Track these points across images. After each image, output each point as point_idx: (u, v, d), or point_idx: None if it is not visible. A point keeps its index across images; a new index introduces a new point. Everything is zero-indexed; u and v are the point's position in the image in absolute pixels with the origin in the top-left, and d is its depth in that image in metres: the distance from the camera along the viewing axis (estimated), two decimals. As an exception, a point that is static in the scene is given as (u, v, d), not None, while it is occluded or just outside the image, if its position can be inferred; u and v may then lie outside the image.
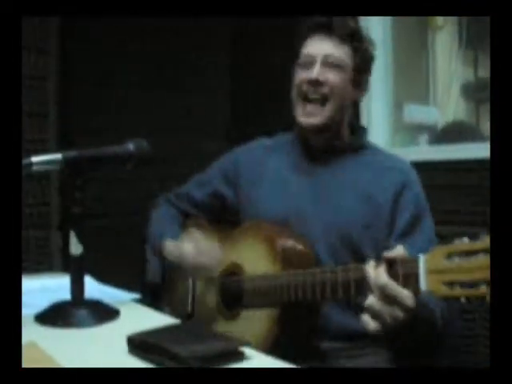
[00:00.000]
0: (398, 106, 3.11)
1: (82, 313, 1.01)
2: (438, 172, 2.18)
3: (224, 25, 2.94)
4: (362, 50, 1.40)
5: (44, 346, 0.87)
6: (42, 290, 1.26)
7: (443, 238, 1.48)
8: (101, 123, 2.55)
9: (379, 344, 1.30)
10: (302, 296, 1.17)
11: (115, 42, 2.63)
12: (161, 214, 1.59)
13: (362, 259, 1.21)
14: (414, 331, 1.06)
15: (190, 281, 1.45)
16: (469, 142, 2.59)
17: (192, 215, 1.58)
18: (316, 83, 1.35)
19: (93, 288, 1.20)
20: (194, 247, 1.33)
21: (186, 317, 1.41)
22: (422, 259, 0.97)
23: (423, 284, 0.96)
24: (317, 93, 1.36)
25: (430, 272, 0.95)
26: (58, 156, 0.99)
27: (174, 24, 2.69)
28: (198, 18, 2.57)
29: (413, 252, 1.15)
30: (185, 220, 1.57)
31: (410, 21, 3.34)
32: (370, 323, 0.99)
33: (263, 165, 1.49)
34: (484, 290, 0.88)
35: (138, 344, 0.84)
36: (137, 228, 1.69)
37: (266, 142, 1.55)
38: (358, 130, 1.48)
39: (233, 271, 1.36)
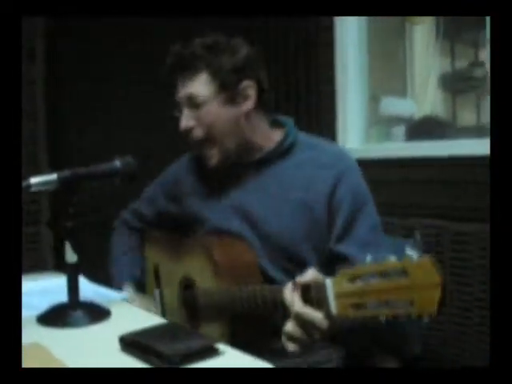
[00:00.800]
0: (374, 99, 3.21)
1: (78, 314, 1.14)
2: (412, 168, 2.30)
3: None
4: (220, 67, 1.34)
5: (46, 345, 1.00)
6: (42, 291, 1.38)
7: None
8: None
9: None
10: (242, 310, 1.23)
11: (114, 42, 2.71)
12: (119, 241, 1.69)
13: (304, 265, 1.24)
14: (348, 340, 1.17)
15: (157, 292, 1.54)
16: (443, 136, 2.71)
17: (144, 231, 1.67)
18: (188, 131, 1.37)
19: (86, 288, 1.31)
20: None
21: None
22: (329, 283, 0.99)
23: (332, 307, 0.98)
24: (194, 137, 1.37)
25: (337, 296, 0.97)
26: (53, 176, 1.12)
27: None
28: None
29: (357, 248, 1.27)
30: (142, 235, 1.67)
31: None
32: (288, 345, 1.07)
33: (198, 183, 1.50)
34: (386, 311, 0.91)
35: (128, 343, 0.98)
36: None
37: (196, 157, 1.53)
38: (283, 126, 1.44)
39: (187, 284, 1.43)
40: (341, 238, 1.31)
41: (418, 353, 1.46)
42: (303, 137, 1.44)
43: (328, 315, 1.01)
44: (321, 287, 1.01)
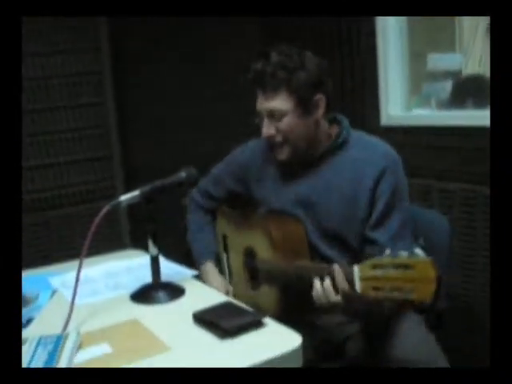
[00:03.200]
0: (419, 56, 3.30)
1: (160, 293, 1.51)
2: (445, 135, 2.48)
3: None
4: (298, 86, 1.53)
5: (140, 320, 1.37)
6: (127, 270, 1.77)
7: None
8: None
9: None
10: (290, 281, 1.51)
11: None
12: (195, 221, 1.95)
13: (346, 245, 1.59)
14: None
15: (224, 257, 1.88)
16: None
17: (213, 209, 1.94)
18: (269, 137, 1.60)
19: (164, 266, 1.62)
20: (221, 288, 1.76)
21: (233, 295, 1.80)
22: (356, 269, 1.25)
23: (357, 287, 1.25)
24: (272, 141, 1.61)
25: (362, 279, 1.23)
26: (136, 193, 1.47)
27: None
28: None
29: (388, 237, 1.53)
30: (212, 211, 1.94)
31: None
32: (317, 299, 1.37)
33: (264, 167, 1.75)
34: (396, 295, 1.15)
35: (198, 318, 1.33)
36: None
37: (263, 144, 1.74)
38: (339, 124, 1.65)
39: (249, 252, 1.72)
40: (375, 227, 1.56)
41: (443, 307, 1.75)
42: (356, 134, 1.65)
43: (352, 291, 1.28)
44: (350, 271, 1.28)
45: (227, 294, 1.77)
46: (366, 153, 1.60)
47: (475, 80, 3.28)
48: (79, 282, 1.37)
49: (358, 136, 1.66)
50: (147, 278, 1.55)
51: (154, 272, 1.52)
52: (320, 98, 1.58)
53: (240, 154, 1.84)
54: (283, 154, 1.62)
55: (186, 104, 3.16)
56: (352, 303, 1.37)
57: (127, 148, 3.00)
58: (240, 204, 1.86)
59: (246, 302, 1.43)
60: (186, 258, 1.89)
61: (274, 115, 1.57)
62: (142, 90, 3.04)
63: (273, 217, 1.68)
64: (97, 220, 1.36)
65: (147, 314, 1.43)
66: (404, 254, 1.17)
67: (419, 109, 2.92)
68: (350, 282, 1.28)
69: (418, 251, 1.17)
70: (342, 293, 1.33)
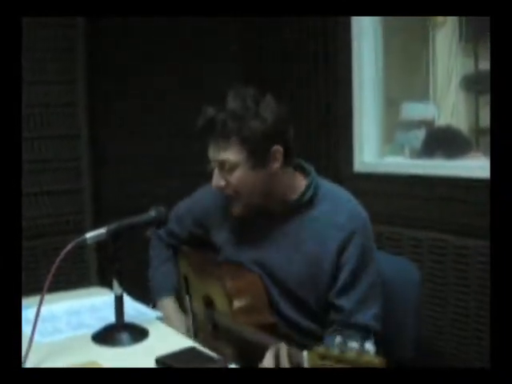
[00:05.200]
0: (393, 105, 3.37)
1: (124, 335, 1.46)
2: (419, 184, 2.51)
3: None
4: (250, 136, 1.42)
5: (100, 362, 1.32)
6: (91, 308, 1.72)
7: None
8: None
9: None
10: (244, 345, 1.42)
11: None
12: (157, 256, 1.87)
13: (307, 307, 1.51)
14: None
15: (187, 299, 1.79)
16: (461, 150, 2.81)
17: (175, 247, 1.86)
18: (220, 188, 1.51)
19: (128, 305, 1.58)
20: (182, 327, 1.71)
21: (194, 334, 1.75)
22: (305, 356, 1.14)
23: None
24: (225, 193, 1.52)
25: (310, 366, 1.13)
26: (102, 230, 1.43)
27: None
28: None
29: (354, 303, 1.46)
30: (176, 251, 1.86)
31: (410, 19, 3.54)
32: None
33: (224, 214, 1.63)
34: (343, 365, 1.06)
35: (161, 363, 1.29)
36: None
37: None
38: (304, 172, 1.55)
39: (209, 302, 1.64)
40: (341, 294, 1.47)
41: (411, 356, 1.73)
42: (323, 187, 1.54)
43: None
44: (300, 356, 1.16)
45: (188, 331, 1.71)
46: (334, 212, 1.50)
47: (447, 131, 3.35)
48: (41, 319, 1.33)
49: (325, 190, 1.55)
50: (111, 317, 1.51)
51: (117, 312, 1.48)
52: (277, 150, 1.46)
53: (202, 197, 1.74)
54: (236, 209, 1.53)
55: (160, 140, 3.15)
56: None
57: (98, 182, 2.96)
58: (201, 246, 1.79)
59: (210, 348, 1.38)
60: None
61: (224, 167, 1.46)
62: (116, 126, 3.02)
63: (229, 268, 1.60)
64: (60, 256, 1.32)
65: (108, 356, 1.39)
66: (354, 348, 1.07)
67: (392, 156, 2.96)
68: (298, 365, 1.19)
69: (368, 346, 1.08)
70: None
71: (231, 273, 1.57)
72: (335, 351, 1.09)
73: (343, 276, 1.47)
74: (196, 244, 1.81)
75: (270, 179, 1.48)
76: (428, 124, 3.52)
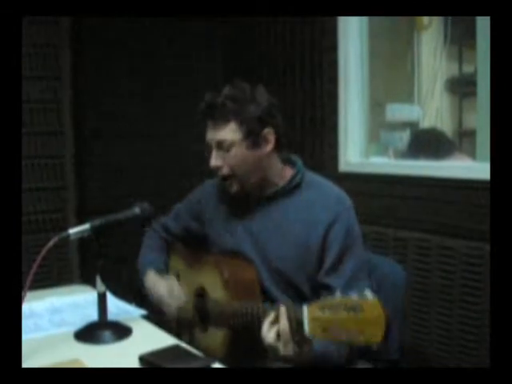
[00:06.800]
0: (378, 106, 3.38)
1: (107, 333, 1.44)
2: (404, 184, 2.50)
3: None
4: (247, 118, 1.55)
5: (83, 359, 1.30)
6: (74, 306, 1.70)
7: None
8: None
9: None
10: (240, 323, 1.47)
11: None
12: (148, 244, 1.91)
13: (298, 290, 1.55)
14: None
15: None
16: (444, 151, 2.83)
17: (169, 242, 1.91)
18: (216, 168, 1.60)
19: (111, 303, 1.57)
20: (167, 290, 1.70)
21: (176, 325, 1.76)
22: (305, 309, 1.21)
23: (306, 327, 1.21)
24: (220, 173, 1.60)
25: (310, 320, 1.20)
26: (86, 226, 1.41)
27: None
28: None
29: (342, 281, 1.50)
30: (168, 246, 1.90)
31: (396, 22, 3.56)
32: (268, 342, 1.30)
33: (217, 208, 1.74)
34: (344, 337, 1.13)
35: (144, 361, 1.27)
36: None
37: (217, 184, 1.75)
38: (293, 165, 1.65)
39: (200, 293, 1.68)
40: (329, 273, 1.53)
41: (396, 358, 1.73)
42: (309, 176, 1.66)
43: (301, 334, 1.24)
44: (299, 311, 1.24)
45: (171, 294, 1.70)
46: (320, 197, 1.60)
47: (431, 133, 3.37)
48: (22, 316, 1.30)
49: (311, 178, 1.66)
50: (94, 315, 1.49)
51: (100, 310, 1.46)
52: (269, 132, 1.58)
53: (197, 193, 1.85)
54: (231, 188, 1.62)
55: (144, 139, 3.13)
56: (301, 350, 1.31)
57: (82, 180, 2.94)
58: (194, 243, 1.84)
59: (194, 343, 1.40)
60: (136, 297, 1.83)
61: (223, 146, 1.57)
62: (102, 122, 3.00)
63: (225, 258, 1.66)
64: (43, 251, 1.31)
65: (91, 353, 1.37)
66: (353, 295, 1.16)
67: (377, 157, 2.97)
68: (299, 322, 1.25)
69: (367, 293, 1.16)
70: (288, 334, 1.28)
71: (227, 262, 1.63)
72: (336, 298, 1.16)
73: (330, 255, 1.53)
74: (189, 241, 1.86)
75: (262, 161, 1.59)
76: (412, 125, 3.57)
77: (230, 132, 1.55)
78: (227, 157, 1.57)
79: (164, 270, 1.83)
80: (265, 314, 1.36)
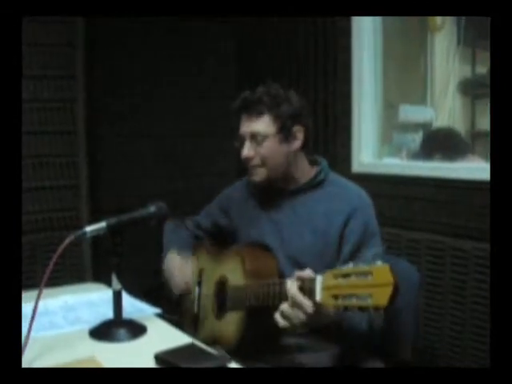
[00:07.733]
0: (391, 107, 3.38)
1: (122, 331, 1.45)
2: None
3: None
4: (280, 113, 1.65)
5: (99, 358, 1.31)
6: (88, 304, 1.71)
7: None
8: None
9: (329, 340, 1.59)
10: (257, 302, 1.51)
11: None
12: (174, 230, 2.00)
13: None
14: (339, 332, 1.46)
15: (196, 290, 1.87)
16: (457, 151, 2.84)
17: (200, 238, 2.00)
18: (247, 159, 1.68)
19: (126, 302, 1.58)
20: (178, 264, 1.84)
21: (193, 316, 1.82)
22: (319, 278, 1.26)
23: (318, 296, 1.26)
24: (251, 164, 1.69)
25: (323, 288, 1.24)
26: (103, 224, 1.42)
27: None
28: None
29: None
30: (194, 241, 1.99)
31: (409, 23, 3.56)
32: (280, 321, 1.35)
33: (245, 203, 1.84)
34: (354, 302, 1.16)
35: (160, 359, 1.28)
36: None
37: (246, 183, 1.85)
38: (317, 164, 1.75)
39: (222, 281, 1.73)
40: (346, 263, 1.55)
41: (408, 359, 1.74)
42: (333, 175, 1.76)
43: (314, 302, 1.28)
44: (313, 280, 1.29)
45: (186, 281, 1.82)
46: (341, 191, 1.69)
47: (445, 133, 3.36)
48: (37, 314, 1.31)
49: (335, 178, 1.75)
50: (108, 313, 1.49)
51: (115, 308, 1.47)
52: (299, 130, 1.68)
53: (228, 189, 1.96)
54: (258, 176, 1.70)
55: (158, 138, 3.14)
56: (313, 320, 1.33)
57: (95, 178, 2.95)
58: (222, 239, 1.92)
59: (209, 333, 1.45)
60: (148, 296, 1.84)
61: (256, 138, 1.66)
62: (115, 122, 3.01)
63: (248, 248, 1.73)
64: (60, 249, 1.31)
65: (106, 351, 1.37)
66: (365, 263, 1.20)
67: (390, 158, 2.97)
68: (312, 291, 1.28)
69: (378, 262, 1.18)
70: (299, 298, 1.31)
71: (250, 252, 1.69)
72: (349, 267, 1.20)
73: (348, 245, 1.61)
74: (218, 237, 1.95)
75: (291, 157, 1.69)
76: (425, 127, 3.55)
77: (264, 125, 1.65)
78: (260, 149, 1.66)
79: (186, 249, 1.92)
80: (281, 288, 1.41)
